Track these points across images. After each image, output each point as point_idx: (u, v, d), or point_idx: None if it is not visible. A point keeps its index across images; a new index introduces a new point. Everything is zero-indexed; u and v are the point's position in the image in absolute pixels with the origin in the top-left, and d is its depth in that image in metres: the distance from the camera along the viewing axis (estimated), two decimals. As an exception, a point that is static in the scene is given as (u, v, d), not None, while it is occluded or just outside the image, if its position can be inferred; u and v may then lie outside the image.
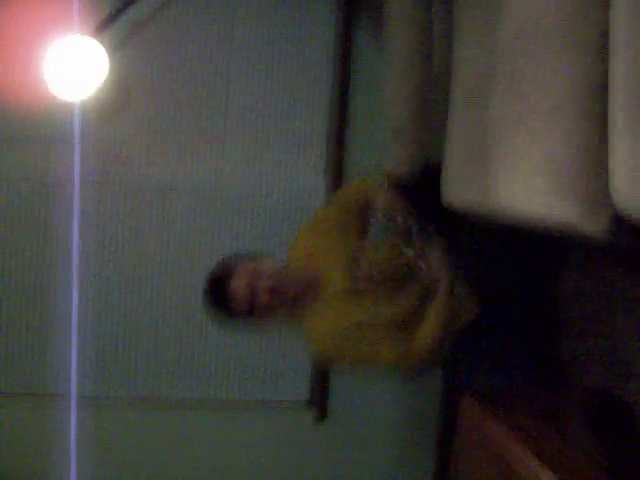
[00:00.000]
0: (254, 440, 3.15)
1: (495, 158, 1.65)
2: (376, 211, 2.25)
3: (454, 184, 1.98)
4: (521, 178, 1.54)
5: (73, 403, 2.93)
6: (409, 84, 2.29)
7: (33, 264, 2.92)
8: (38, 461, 2.98)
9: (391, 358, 2.02)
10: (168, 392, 3.07)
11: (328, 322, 2.06)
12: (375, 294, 2.08)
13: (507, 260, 2.23)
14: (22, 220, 2.90)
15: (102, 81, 2.41)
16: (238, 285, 2.00)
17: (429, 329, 2.01)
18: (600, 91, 1.30)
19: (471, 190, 1.83)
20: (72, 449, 2.99)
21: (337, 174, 3.04)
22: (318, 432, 3.17)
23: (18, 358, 2.97)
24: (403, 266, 2.13)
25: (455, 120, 1.99)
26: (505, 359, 2.12)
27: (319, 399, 3.13)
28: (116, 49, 2.83)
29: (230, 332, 2.73)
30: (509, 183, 1.59)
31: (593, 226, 1.34)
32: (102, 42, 2.53)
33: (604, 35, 1.28)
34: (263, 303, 2.02)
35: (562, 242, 2.27)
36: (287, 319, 2.19)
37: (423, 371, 2.26)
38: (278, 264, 2.13)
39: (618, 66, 1.20)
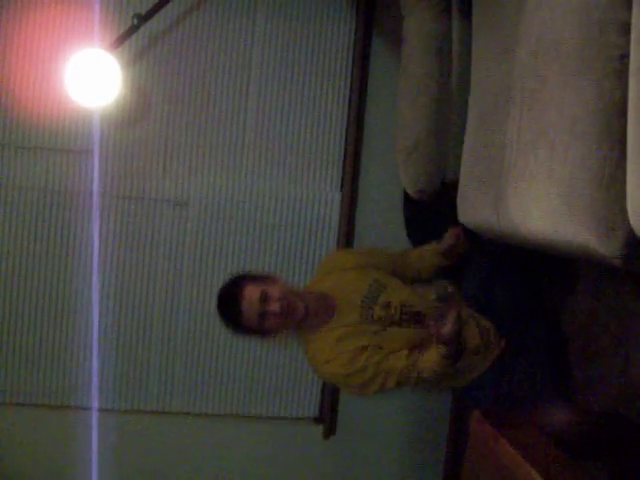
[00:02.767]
0: (263, 455, 3.15)
1: (510, 178, 1.65)
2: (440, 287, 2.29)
3: (469, 203, 1.97)
4: (536, 199, 1.54)
5: (95, 415, 2.97)
6: (427, 100, 2.29)
7: (50, 275, 2.95)
8: (55, 472, 3.03)
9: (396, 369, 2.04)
10: (179, 406, 3.07)
11: (333, 347, 2.08)
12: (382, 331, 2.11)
13: (519, 281, 2.22)
14: (41, 230, 2.92)
15: (120, 93, 2.43)
16: (251, 295, 2.05)
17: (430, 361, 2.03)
18: (618, 114, 1.29)
19: (486, 209, 1.82)
20: (93, 460, 3.01)
21: (353, 190, 3.05)
22: (326, 448, 3.16)
23: (35, 370, 2.99)
24: (417, 314, 2.15)
25: (471, 139, 1.99)
26: (517, 379, 2.11)
27: (328, 415, 3.12)
28: (135, 61, 2.86)
29: (243, 344, 2.75)
30: (524, 203, 1.59)
31: (608, 249, 1.32)
32: (121, 54, 2.56)
33: (623, 58, 1.28)
34: (271, 325, 2.08)
35: (576, 264, 2.26)
36: (296, 337, 2.24)
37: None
38: (287, 284, 2.18)
39: (637, 89, 1.19)
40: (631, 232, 1.25)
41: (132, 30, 2.42)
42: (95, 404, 2.98)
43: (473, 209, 1.94)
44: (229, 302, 2.10)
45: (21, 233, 2.91)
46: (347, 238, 3.05)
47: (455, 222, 2.09)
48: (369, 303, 2.13)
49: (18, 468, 3.03)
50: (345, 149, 3.04)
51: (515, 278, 2.22)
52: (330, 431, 3.13)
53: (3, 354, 2.96)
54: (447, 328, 1.97)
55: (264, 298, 2.04)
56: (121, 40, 2.43)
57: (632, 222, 1.22)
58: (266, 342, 2.27)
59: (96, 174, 2.90)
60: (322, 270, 2.44)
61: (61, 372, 2.98)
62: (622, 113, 1.27)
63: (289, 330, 2.20)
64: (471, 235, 2.09)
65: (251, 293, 2.05)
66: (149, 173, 2.96)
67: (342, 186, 3.05)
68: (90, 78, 2.34)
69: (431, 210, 2.47)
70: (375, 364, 2.04)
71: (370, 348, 2.06)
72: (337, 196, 3.04)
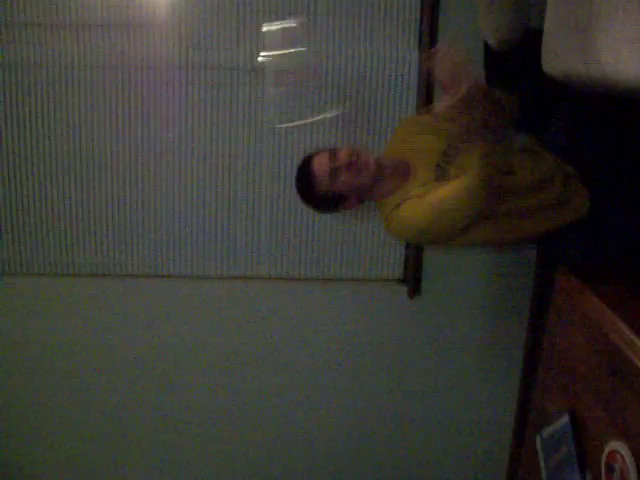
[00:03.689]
0: (348, 317, 3.25)
1: (600, 20, 1.54)
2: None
3: (555, 51, 1.86)
4: (628, 40, 1.44)
5: (184, 283, 3.14)
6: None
7: (121, 148, 3.02)
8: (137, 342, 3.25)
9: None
10: (266, 270, 3.18)
11: (410, 201, 2.05)
12: None
13: (606, 132, 2.12)
14: (117, 107, 2.96)
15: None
16: (321, 160, 2.10)
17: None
18: None
19: (573, 56, 1.72)
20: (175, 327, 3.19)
21: (431, 46, 2.92)
22: (411, 309, 3.23)
23: (123, 242, 3.13)
24: None
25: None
26: (602, 232, 2.06)
27: (412, 276, 3.17)
28: None
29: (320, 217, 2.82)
30: (614, 46, 1.49)
31: None
32: None
33: None
34: (345, 183, 2.08)
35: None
36: (375, 207, 2.22)
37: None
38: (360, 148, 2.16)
39: None
40: None
41: None
42: (187, 272, 3.15)
43: (559, 57, 1.84)
44: (302, 176, 2.15)
45: (101, 112, 2.96)
46: (427, 98, 2.97)
47: (539, 74, 1.99)
48: (445, 165, 2.10)
49: (102, 337, 3.25)
50: (423, 2, 2.89)
51: (599, 128, 2.11)
52: (415, 291, 3.19)
53: (92, 228, 3.10)
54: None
55: (333, 157, 2.08)
56: None
57: None
58: (347, 213, 2.28)
59: (167, 47, 2.89)
60: (395, 136, 2.42)
61: (151, 241, 3.13)
62: None
63: (364, 194, 2.18)
64: (555, 86, 1.98)
65: (321, 158, 2.12)
66: (222, 42, 2.92)
67: (420, 42, 2.94)
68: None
69: (514, 62, 2.36)
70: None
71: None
72: (415, 53, 2.94)
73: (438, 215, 1.95)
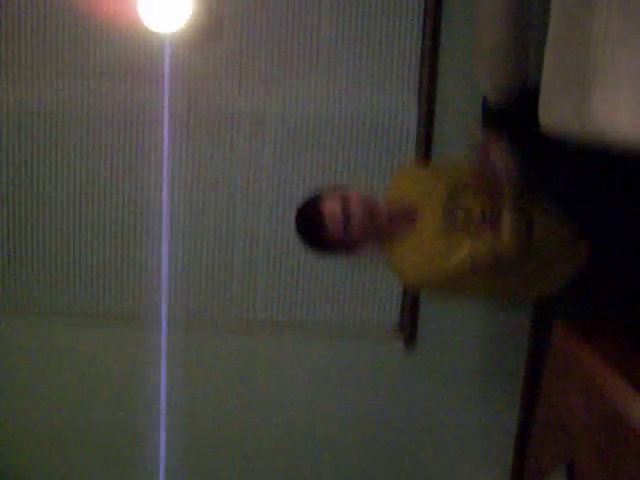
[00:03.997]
0: (342, 363, 3.22)
1: (596, 78, 1.56)
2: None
3: (552, 107, 1.88)
4: (625, 99, 1.46)
5: (164, 325, 3.11)
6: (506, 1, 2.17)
7: (125, 198, 3.05)
8: (128, 384, 3.21)
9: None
10: (260, 315, 3.17)
11: (419, 254, 2.05)
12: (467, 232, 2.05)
13: (604, 189, 2.13)
14: (112, 152, 2.99)
15: (193, 12, 2.42)
16: (332, 207, 2.03)
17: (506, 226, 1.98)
18: None
19: (570, 113, 1.74)
20: (162, 372, 3.17)
21: (430, 97, 2.96)
22: (407, 357, 3.21)
23: (110, 282, 3.14)
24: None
25: (554, 37, 1.88)
26: (600, 286, 2.06)
27: (408, 324, 3.15)
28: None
29: (321, 260, 2.80)
30: (612, 105, 1.50)
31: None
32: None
33: None
34: (357, 234, 2.04)
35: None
36: (377, 250, 2.21)
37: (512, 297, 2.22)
38: (365, 192, 2.15)
39: None
40: None
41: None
42: (164, 314, 3.11)
43: (555, 113, 1.85)
44: (310, 221, 2.08)
45: (97, 159, 3.00)
46: (426, 148, 2.99)
47: (535, 129, 2.01)
48: (451, 205, 2.10)
49: (93, 381, 3.22)
50: (422, 52, 2.94)
51: (598, 186, 2.13)
52: (411, 339, 3.17)
53: (77, 270, 3.11)
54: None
55: (345, 207, 2.02)
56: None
57: None
58: (352, 258, 2.24)
59: (167, 94, 2.92)
60: (396, 182, 2.42)
61: (133, 284, 3.13)
62: None
63: (374, 241, 2.16)
64: (552, 143, 2.00)
65: (332, 206, 2.03)
66: (224, 91, 2.96)
67: (419, 93, 2.97)
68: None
69: (512, 120, 2.38)
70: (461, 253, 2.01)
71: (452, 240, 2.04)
72: (414, 104, 2.97)
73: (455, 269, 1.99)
